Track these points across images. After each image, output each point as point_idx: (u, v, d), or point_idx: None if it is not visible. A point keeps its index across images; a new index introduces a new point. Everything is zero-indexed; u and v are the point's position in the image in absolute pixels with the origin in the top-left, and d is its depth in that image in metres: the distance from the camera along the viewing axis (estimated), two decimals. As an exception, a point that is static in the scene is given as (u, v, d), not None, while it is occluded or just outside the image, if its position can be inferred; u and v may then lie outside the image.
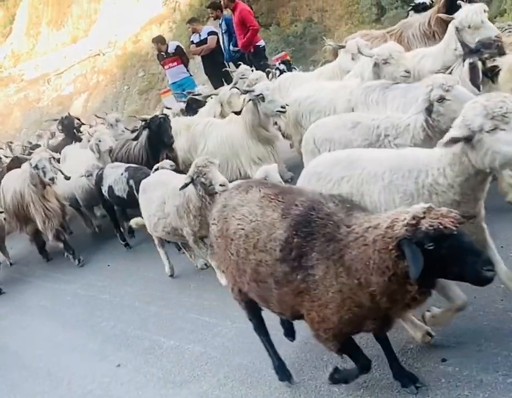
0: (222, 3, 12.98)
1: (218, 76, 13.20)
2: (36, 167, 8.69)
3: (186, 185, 5.91)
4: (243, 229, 3.74)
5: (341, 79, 7.70)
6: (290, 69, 10.76)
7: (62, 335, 7.07)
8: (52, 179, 8.69)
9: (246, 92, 7.69)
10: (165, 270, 7.24)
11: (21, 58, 36.76)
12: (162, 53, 14.33)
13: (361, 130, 5.20)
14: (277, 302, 3.68)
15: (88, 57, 31.78)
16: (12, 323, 8.18)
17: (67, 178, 8.99)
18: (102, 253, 9.37)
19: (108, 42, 30.78)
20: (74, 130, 12.49)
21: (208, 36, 13.68)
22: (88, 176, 9.10)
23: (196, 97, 10.28)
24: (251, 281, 3.79)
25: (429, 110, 4.65)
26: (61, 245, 9.26)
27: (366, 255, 3.14)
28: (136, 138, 8.79)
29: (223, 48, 13.64)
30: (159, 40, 14.59)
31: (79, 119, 13.04)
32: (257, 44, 12.78)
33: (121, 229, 9.15)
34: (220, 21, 13.48)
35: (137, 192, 7.42)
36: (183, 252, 7.38)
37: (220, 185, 5.69)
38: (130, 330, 6.38)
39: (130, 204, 8.34)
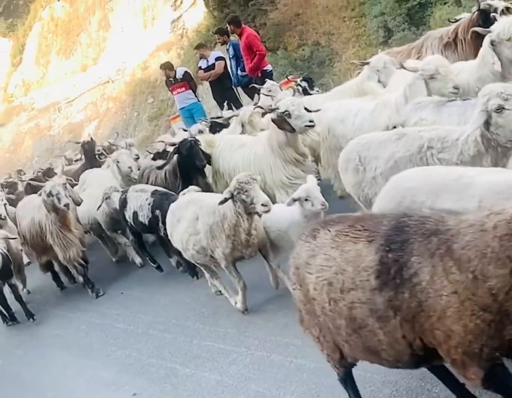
0: (229, 28, 13.11)
1: (227, 101, 13.23)
2: (50, 194, 8.42)
3: (226, 200, 5.61)
4: (324, 280, 3.26)
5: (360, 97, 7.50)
6: (311, 87, 10.63)
7: (77, 364, 7.03)
8: (66, 205, 8.37)
9: (271, 110, 7.35)
10: (179, 297, 7.21)
11: (32, 87, 37.22)
12: (170, 79, 14.47)
13: (405, 142, 4.92)
14: (389, 345, 3.07)
15: (97, 84, 32.14)
16: (26, 353, 8.18)
17: (78, 204, 8.90)
18: (115, 281, 9.34)
19: (117, 69, 31.14)
20: (96, 156, 12.29)
21: (216, 61, 13.81)
22: (106, 198, 8.90)
23: (217, 120, 10.09)
24: (349, 335, 3.26)
25: (487, 123, 4.35)
26: (81, 278, 9.13)
27: (483, 242, 2.68)
28: (162, 167, 8.54)
29: (230, 73, 13.71)
30: (167, 66, 14.75)
31: (104, 149, 12.73)
32: (264, 68, 12.84)
33: (148, 252, 8.93)
34: (228, 46, 13.57)
35: (163, 223, 7.27)
36: (198, 277, 7.32)
37: (263, 205, 5.43)
38: (145, 358, 6.35)
39: (151, 230, 8.23)
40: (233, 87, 13.82)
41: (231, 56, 13.51)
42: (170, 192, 8.04)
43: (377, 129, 6.03)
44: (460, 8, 14.18)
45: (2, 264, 8.63)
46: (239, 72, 13.39)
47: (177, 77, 14.32)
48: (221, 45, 14.25)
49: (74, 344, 7.75)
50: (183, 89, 14.30)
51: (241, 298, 6.13)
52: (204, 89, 18.05)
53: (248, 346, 5.52)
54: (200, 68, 14.30)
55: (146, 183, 8.92)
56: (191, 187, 7.19)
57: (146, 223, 8.08)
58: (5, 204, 11.42)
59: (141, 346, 6.71)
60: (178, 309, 7.19)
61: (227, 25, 13.18)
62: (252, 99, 12.44)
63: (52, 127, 33.50)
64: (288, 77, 12.94)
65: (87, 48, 34.69)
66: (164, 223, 7.21)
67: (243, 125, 8.99)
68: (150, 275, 8.91)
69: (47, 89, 35.64)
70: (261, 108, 8.08)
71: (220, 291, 6.76)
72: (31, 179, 12.31)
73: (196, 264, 6.90)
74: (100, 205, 9.05)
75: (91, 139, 12.82)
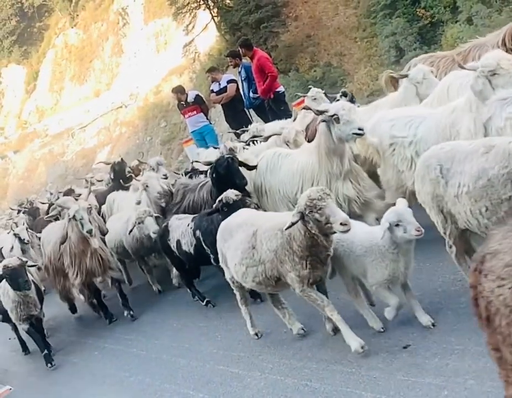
0: (241, 51, 13.21)
1: (239, 123, 13.24)
2: (74, 217, 8.05)
3: (294, 223, 4.86)
4: None
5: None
6: (351, 101, 10.02)
7: (90, 391, 7.02)
8: (90, 231, 8.02)
9: (319, 112, 6.67)
10: (191, 321, 7.17)
11: (46, 113, 37.76)
12: (182, 102, 14.60)
13: (498, 156, 4.32)
14: None
15: (110, 109, 32.56)
16: (39, 380, 8.16)
17: (103, 233, 8.71)
18: (128, 305, 9.33)
19: (130, 94, 31.57)
20: (126, 177, 11.56)
21: (228, 84, 13.87)
22: (138, 223, 8.44)
23: (256, 139, 9.52)
24: None
25: None
26: (92, 308, 9.12)
27: None
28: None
29: (242, 96, 13.80)
30: (179, 90, 14.88)
31: (132, 169, 12.22)
32: (276, 90, 12.90)
33: (195, 287, 8.12)
34: (240, 69, 13.66)
35: (206, 243, 7.02)
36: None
37: (341, 224, 4.64)
38: (159, 384, 6.31)
39: (198, 261, 7.70)
40: (245, 109, 13.90)
41: (243, 79, 13.60)
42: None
43: (447, 136, 5.68)
44: (472, 26, 14.22)
45: (36, 291, 8.37)
46: (251, 94, 13.48)
47: (188, 100, 14.43)
48: (233, 67, 14.42)
49: (87, 370, 7.74)
50: (195, 112, 14.38)
51: (337, 317, 5.06)
52: (217, 112, 18.21)
53: (262, 370, 5.48)
54: (212, 91, 14.39)
55: (181, 205, 8.56)
56: (230, 191, 6.58)
57: (192, 251, 7.56)
58: (26, 228, 11.30)
59: (154, 372, 6.68)
60: (191, 334, 7.17)
61: (239, 48, 13.31)
62: (265, 121, 12.43)
63: (66, 153, 33.91)
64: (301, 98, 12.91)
65: (100, 74, 35.21)
66: (208, 245, 7.00)
67: (287, 144, 8.51)
68: (162, 300, 8.93)
69: (61, 115, 36.13)
70: (309, 109, 7.32)
71: (303, 329, 5.78)
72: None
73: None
74: (131, 230, 8.61)
75: (121, 159, 12.17)
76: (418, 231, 4.55)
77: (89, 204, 8.49)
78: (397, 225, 4.65)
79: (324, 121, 6.55)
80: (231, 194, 6.49)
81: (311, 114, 8.37)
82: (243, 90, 13.76)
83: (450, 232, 4.88)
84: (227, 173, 7.37)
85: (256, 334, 6.13)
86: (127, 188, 11.09)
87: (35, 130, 37.78)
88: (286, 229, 4.91)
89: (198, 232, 7.36)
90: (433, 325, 4.75)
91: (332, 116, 6.39)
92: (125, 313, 8.62)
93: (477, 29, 13.66)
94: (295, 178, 7.11)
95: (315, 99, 9.91)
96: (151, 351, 7.29)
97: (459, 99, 5.96)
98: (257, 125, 10.30)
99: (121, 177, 11.62)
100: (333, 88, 16.94)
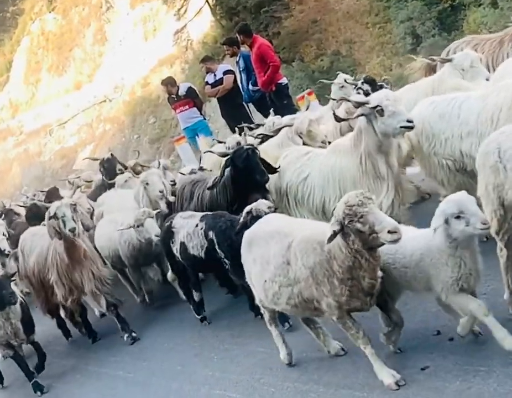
0: (239, 38, 13.14)
1: (237, 119, 12.85)
2: (54, 216, 7.70)
3: (335, 235, 4.45)
4: None
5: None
6: (375, 89, 8.91)
7: (71, 419, 7.02)
8: (73, 230, 7.67)
9: (359, 104, 6.31)
10: (184, 340, 7.13)
11: (20, 108, 37.68)
12: (172, 96, 14.61)
13: None
14: None
15: (93, 104, 32.53)
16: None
17: (87, 229, 8.30)
18: (113, 323, 9.20)
19: (115, 87, 31.56)
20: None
21: (224, 75, 13.82)
22: (137, 226, 8.05)
23: (267, 134, 9.00)
24: None
25: None
26: (74, 325, 9.07)
27: None
28: (213, 187, 7.61)
29: (241, 88, 13.78)
30: (169, 82, 14.86)
31: (122, 164, 11.92)
32: (279, 82, 12.82)
33: (195, 298, 7.86)
34: (237, 58, 13.63)
35: (221, 248, 6.72)
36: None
37: (390, 232, 4.25)
38: (147, 411, 6.33)
39: (208, 267, 7.52)
40: (243, 103, 13.85)
41: (241, 69, 13.54)
42: (225, 212, 7.17)
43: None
44: (497, 10, 14.20)
45: (22, 315, 7.78)
46: (251, 87, 13.43)
47: (180, 93, 14.45)
48: (231, 57, 14.39)
49: (68, 396, 7.70)
50: (187, 107, 14.42)
51: (370, 351, 4.79)
52: (212, 107, 18.20)
53: (263, 395, 5.47)
54: (207, 83, 14.38)
55: (189, 204, 8.18)
56: (261, 201, 6.17)
57: (202, 255, 7.13)
58: (7, 238, 10.71)
59: (142, 397, 6.65)
60: (183, 354, 7.13)
61: (236, 35, 13.24)
62: (265, 116, 12.24)
63: (43, 152, 33.86)
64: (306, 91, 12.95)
65: (81, 64, 35.18)
66: (224, 251, 6.71)
67: (300, 136, 8.23)
68: (152, 315, 8.86)
69: (37, 110, 36.07)
70: (347, 100, 6.90)
71: (343, 349, 5.50)
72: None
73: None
74: (123, 229, 8.34)
75: (111, 155, 11.95)
76: (484, 223, 4.24)
77: (74, 202, 8.04)
78: (457, 217, 4.30)
79: (363, 114, 6.23)
80: (263, 205, 6.00)
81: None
82: (241, 82, 13.71)
83: (505, 231, 4.70)
84: (246, 166, 7.02)
85: (290, 363, 5.71)
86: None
87: (8, 126, 37.74)
88: (328, 242, 4.47)
89: (211, 234, 6.89)
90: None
91: (375, 108, 6.07)
92: (125, 336, 8.24)
93: (503, 12, 13.62)
94: (329, 185, 6.78)
95: (342, 87, 9.63)
96: (138, 374, 7.25)
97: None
98: (274, 118, 9.96)
99: (110, 176, 11.35)
100: (342, 79, 16.95)
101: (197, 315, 7.73)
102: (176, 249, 7.49)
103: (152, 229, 7.99)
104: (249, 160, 7.05)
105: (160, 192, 8.50)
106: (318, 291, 4.77)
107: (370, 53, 18.05)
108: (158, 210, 8.39)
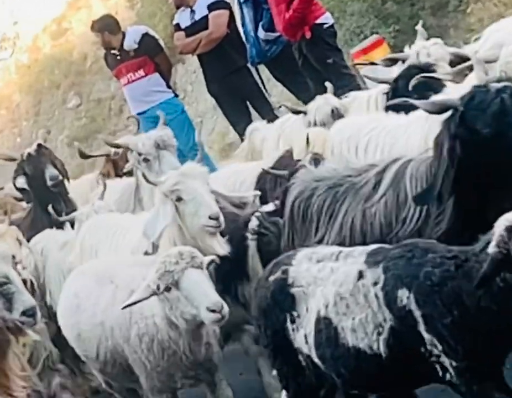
0: None
1: (237, 94, 9.82)
2: None
3: None
4: None
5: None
6: None
7: None
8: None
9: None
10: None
11: None
12: (113, 52, 10.17)
13: None
14: None
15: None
16: None
17: None
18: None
19: (2, 38, 24.98)
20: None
21: (210, 12, 9.64)
22: (166, 290, 5.30)
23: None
24: None
25: None
26: None
27: None
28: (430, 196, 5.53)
29: (243, 36, 9.90)
30: (106, 26, 10.24)
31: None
32: (317, 22, 9.02)
33: None
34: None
35: (436, 326, 4.55)
36: None
37: None
38: None
39: (391, 380, 5.41)
40: (247, 65, 9.92)
41: (243, 1, 9.67)
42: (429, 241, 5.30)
43: None
44: None
45: None
46: (262, 34, 9.58)
47: (127, 47, 9.98)
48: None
49: None
50: (143, 72, 9.97)
51: None
52: (188, 71, 13.89)
53: None
54: (179, 28, 10.15)
55: (326, 230, 5.90)
56: None
57: (381, 348, 4.41)
58: None
59: None
60: None
61: None
62: (294, 92, 9.81)
63: None
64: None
65: None
66: (445, 334, 4.07)
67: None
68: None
69: None
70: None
71: None
72: None
73: None
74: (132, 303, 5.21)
75: (39, 145, 7.83)
76: None
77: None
78: None
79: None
80: None
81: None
82: (244, 26, 9.80)
83: None
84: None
85: None
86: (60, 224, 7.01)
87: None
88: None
89: (405, 296, 3.88)
90: None
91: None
92: None
93: None
94: None
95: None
96: None
97: None
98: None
99: (42, 186, 7.53)
100: (438, 14, 11.45)
101: None
102: (302, 336, 4.29)
103: (206, 295, 4.81)
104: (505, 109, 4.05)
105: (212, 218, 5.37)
106: None
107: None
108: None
